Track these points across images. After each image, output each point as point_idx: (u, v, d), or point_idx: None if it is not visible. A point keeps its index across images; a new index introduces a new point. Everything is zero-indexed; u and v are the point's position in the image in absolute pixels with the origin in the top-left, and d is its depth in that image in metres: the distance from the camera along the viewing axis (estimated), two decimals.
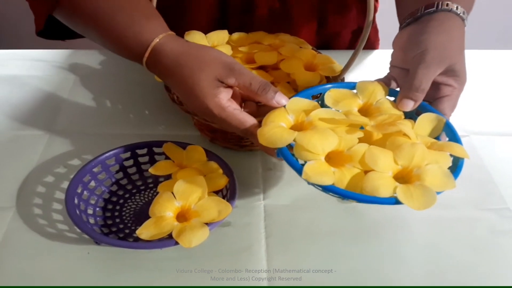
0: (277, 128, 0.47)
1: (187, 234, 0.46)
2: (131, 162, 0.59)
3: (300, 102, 0.51)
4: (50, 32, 0.63)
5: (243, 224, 0.55)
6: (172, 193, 0.51)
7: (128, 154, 0.58)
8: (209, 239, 0.52)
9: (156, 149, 0.59)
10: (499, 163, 0.64)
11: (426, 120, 0.51)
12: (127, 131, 0.67)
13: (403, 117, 0.51)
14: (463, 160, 0.47)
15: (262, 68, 0.67)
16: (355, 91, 0.53)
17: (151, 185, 0.59)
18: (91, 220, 0.53)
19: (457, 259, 0.52)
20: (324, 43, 0.77)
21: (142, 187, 0.59)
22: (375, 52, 0.85)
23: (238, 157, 0.63)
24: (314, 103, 0.51)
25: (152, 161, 0.59)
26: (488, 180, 0.61)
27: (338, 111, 0.51)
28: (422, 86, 0.50)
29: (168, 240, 0.47)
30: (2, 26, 1.41)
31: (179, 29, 0.63)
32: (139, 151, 0.58)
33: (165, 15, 0.57)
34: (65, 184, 0.56)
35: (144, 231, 0.47)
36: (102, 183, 0.57)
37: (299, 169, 0.45)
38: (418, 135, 0.48)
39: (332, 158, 0.46)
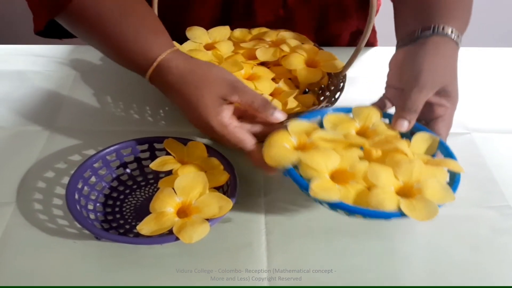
0: (281, 148, 0.50)
1: (187, 229, 0.47)
2: (131, 157, 0.59)
3: (301, 124, 0.53)
4: (49, 30, 0.63)
5: (244, 220, 0.55)
6: (173, 188, 0.51)
7: (129, 150, 0.58)
8: (209, 236, 0.52)
9: (157, 145, 0.59)
10: (500, 161, 0.64)
11: (421, 139, 0.53)
12: (128, 127, 0.67)
13: (399, 137, 0.53)
14: (459, 175, 0.50)
15: (263, 64, 0.67)
16: (351, 115, 0.56)
17: (151, 181, 0.59)
18: (92, 216, 0.53)
19: (458, 257, 0.52)
20: (323, 43, 0.77)
21: (143, 183, 0.59)
22: (373, 49, 0.85)
23: (238, 154, 0.63)
24: (314, 125, 0.54)
25: (153, 157, 0.59)
26: (489, 178, 0.61)
27: None
28: (415, 107, 0.52)
29: (169, 235, 0.47)
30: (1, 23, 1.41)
31: (181, 30, 0.62)
32: (140, 147, 0.59)
33: (168, 16, 0.57)
34: (66, 180, 0.56)
35: (145, 227, 0.47)
36: (102, 179, 0.57)
37: (306, 187, 0.47)
38: (414, 153, 0.51)
39: (336, 177, 0.49)
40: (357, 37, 0.84)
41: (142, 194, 0.58)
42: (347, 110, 0.56)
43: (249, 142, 0.52)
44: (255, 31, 0.72)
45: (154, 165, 0.54)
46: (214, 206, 0.49)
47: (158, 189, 0.52)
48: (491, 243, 0.54)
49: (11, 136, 0.65)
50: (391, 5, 0.66)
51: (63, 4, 0.54)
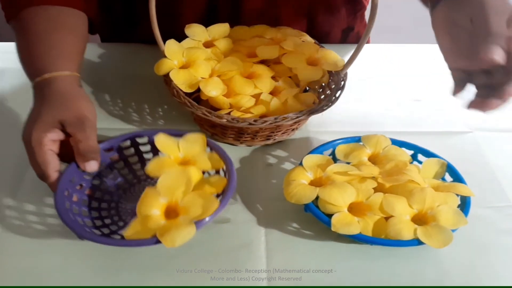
0: (300, 186, 0.52)
1: (171, 233, 0.45)
2: (116, 156, 0.58)
3: (314, 158, 0.56)
4: None
5: (243, 221, 0.55)
6: None
7: (112, 150, 0.57)
8: (208, 236, 0.52)
9: (139, 139, 0.57)
10: (503, 160, 0.64)
11: (430, 165, 0.57)
12: (126, 126, 0.67)
13: (409, 163, 0.55)
14: (469, 198, 0.53)
15: (263, 62, 0.66)
16: (360, 143, 0.58)
17: (143, 177, 0.58)
18: (84, 212, 0.52)
19: (460, 257, 0.52)
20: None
21: (135, 181, 0.58)
22: (368, 46, 0.84)
23: (237, 153, 0.62)
24: (327, 157, 0.56)
25: (138, 153, 0.58)
26: (491, 177, 0.61)
27: (349, 163, 0.56)
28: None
29: (151, 239, 0.46)
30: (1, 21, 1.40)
31: (169, 23, 0.61)
32: (123, 144, 0.57)
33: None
34: None
35: (131, 233, 0.46)
36: (89, 182, 0.56)
37: (327, 222, 0.50)
38: (425, 179, 0.54)
39: (354, 208, 0.51)
40: (348, 33, 0.83)
41: (138, 192, 0.56)
42: (357, 139, 0.59)
43: (53, 167, 0.51)
44: (255, 28, 0.71)
45: (150, 171, 0.51)
46: (198, 206, 0.48)
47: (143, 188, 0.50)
48: (494, 244, 0.54)
49: (7, 135, 0.64)
50: (382, 2, 0.65)
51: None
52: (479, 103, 0.52)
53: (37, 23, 0.59)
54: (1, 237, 0.52)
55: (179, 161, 0.53)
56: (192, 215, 0.47)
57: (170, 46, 0.63)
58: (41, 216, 0.55)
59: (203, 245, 0.52)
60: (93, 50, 0.80)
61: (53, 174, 0.51)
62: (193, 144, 0.54)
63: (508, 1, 0.49)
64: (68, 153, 0.52)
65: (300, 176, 0.53)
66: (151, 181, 0.58)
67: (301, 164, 0.55)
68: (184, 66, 0.63)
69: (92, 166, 0.52)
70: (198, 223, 0.46)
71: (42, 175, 0.51)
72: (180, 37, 0.65)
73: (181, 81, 0.60)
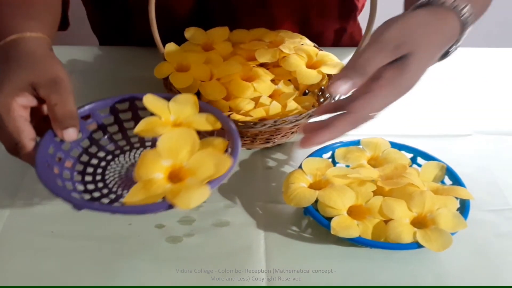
0: (300, 189, 0.52)
1: (183, 194, 0.41)
2: (111, 119, 0.53)
3: (314, 162, 0.55)
4: None
5: (242, 224, 0.55)
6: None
7: (107, 110, 0.52)
8: (207, 238, 0.52)
9: (139, 103, 0.52)
10: (502, 163, 0.64)
11: (430, 168, 0.56)
12: None
13: (408, 166, 0.55)
14: (469, 201, 0.53)
15: (263, 65, 0.67)
16: (360, 146, 0.58)
17: (137, 145, 0.54)
18: (69, 185, 0.47)
19: (459, 261, 0.52)
20: None
21: (127, 148, 0.54)
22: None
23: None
24: (327, 161, 0.56)
25: (136, 118, 0.53)
26: (490, 181, 0.61)
27: (348, 166, 0.57)
28: (363, 66, 0.44)
29: (161, 202, 0.41)
30: None
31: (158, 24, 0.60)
32: (120, 106, 0.52)
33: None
34: None
35: (133, 198, 0.41)
36: (78, 144, 0.51)
37: (327, 225, 0.50)
38: (425, 182, 0.54)
39: (353, 212, 0.51)
40: (341, 35, 0.83)
41: (127, 160, 0.52)
42: (356, 142, 0.59)
43: (28, 134, 0.44)
44: (254, 32, 0.71)
45: (138, 130, 0.47)
46: (209, 166, 0.43)
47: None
48: (493, 247, 0.54)
49: None
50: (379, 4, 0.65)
51: None
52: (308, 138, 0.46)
53: None
54: (2, 236, 0.52)
55: (172, 124, 0.49)
56: (202, 176, 0.43)
57: (170, 49, 0.63)
58: (42, 214, 0.54)
59: (202, 248, 0.52)
60: (92, 52, 0.80)
61: (29, 143, 0.45)
62: (184, 105, 0.50)
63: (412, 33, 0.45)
64: (43, 127, 0.46)
65: (300, 179, 0.53)
66: (136, 151, 0.53)
67: (300, 167, 0.55)
68: (183, 69, 0.63)
69: (71, 134, 0.45)
70: (211, 183, 0.43)
71: (15, 146, 0.45)
72: (172, 35, 0.65)
73: (180, 84, 0.60)
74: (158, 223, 0.54)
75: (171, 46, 0.63)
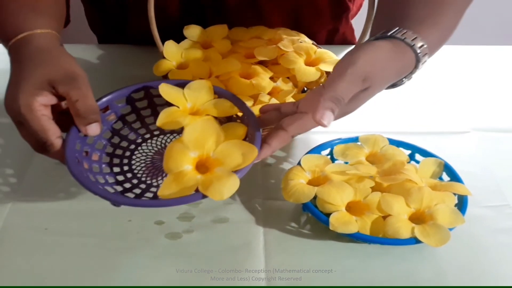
0: (298, 185, 0.52)
1: (215, 186, 0.42)
2: (128, 109, 0.54)
3: (313, 158, 0.56)
4: None
5: (242, 220, 0.55)
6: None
7: (123, 100, 0.53)
8: (207, 235, 0.52)
9: (153, 91, 0.53)
10: (500, 160, 0.64)
11: (427, 164, 0.57)
12: None
13: (406, 163, 0.56)
14: (467, 197, 0.53)
15: (261, 63, 0.67)
16: (358, 143, 0.59)
17: (156, 132, 0.55)
18: (100, 179, 0.48)
19: (457, 256, 0.52)
20: None
21: (147, 136, 0.54)
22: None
23: None
24: (325, 157, 0.56)
25: (152, 105, 0.54)
26: (488, 177, 0.62)
27: (347, 162, 0.57)
28: (339, 95, 0.45)
29: (195, 194, 0.43)
30: None
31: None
32: (135, 95, 0.53)
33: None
34: (66, 178, 0.53)
35: (166, 191, 0.42)
36: (101, 136, 0.51)
37: (325, 221, 0.50)
38: (423, 178, 0.54)
39: (352, 208, 0.52)
40: (334, 35, 0.83)
41: (150, 148, 0.53)
42: (354, 139, 0.59)
43: (54, 132, 0.45)
44: (253, 29, 0.71)
45: (161, 123, 0.47)
46: (236, 155, 0.44)
47: (165, 141, 0.47)
48: (491, 243, 0.54)
49: (8, 134, 0.64)
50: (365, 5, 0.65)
51: None
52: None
53: None
54: (2, 233, 0.53)
55: (189, 111, 0.50)
56: (230, 165, 0.44)
57: (169, 47, 0.63)
58: (43, 213, 0.55)
59: (202, 244, 0.52)
60: (93, 51, 0.80)
61: (56, 142, 0.45)
62: (199, 91, 0.50)
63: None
64: (65, 123, 0.47)
65: (299, 175, 0.54)
66: (157, 139, 0.54)
67: (299, 164, 0.55)
68: (182, 67, 0.63)
69: (94, 129, 0.46)
70: (238, 172, 0.44)
71: (43, 145, 0.45)
72: (165, 31, 0.64)
73: None
74: (158, 220, 0.54)
75: (170, 44, 0.63)
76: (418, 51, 0.47)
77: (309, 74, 0.64)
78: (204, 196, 0.42)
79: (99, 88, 0.74)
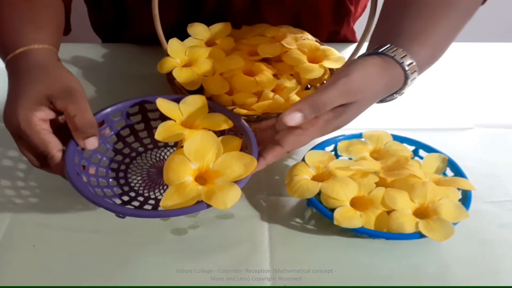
0: (303, 181, 0.52)
1: (218, 195, 0.44)
2: (123, 123, 0.55)
3: (317, 154, 0.56)
4: None
5: (246, 216, 0.55)
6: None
7: (118, 115, 0.54)
8: (212, 230, 0.52)
9: (148, 106, 0.55)
10: (504, 156, 0.64)
11: (431, 160, 0.57)
12: None
13: (410, 158, 0.56)
14: (471, 192, 0.53)
15: (265, 60, 0.67)
16: (362, 139, 0.59)
17: (150, 146, 0.56)
18: (99, 192, 0.49)
19: (463, 252, 0.53)
20: None
21: (141, 149, 0.56)
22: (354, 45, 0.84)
23: None
24: (329, 153, 0.57)
25: (145, 119, 0.55)
26: (492, 173, 0.62)
27: (351, 158, 0.57)
28: (323, 103, 0.46)
29: (199, 204, 0.44)
30: None
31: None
32: (130, 110, 0.54)
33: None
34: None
35: (169, 202, 0.44)
36: (97, 150, 0.52)
37: (330, 216, 0.50)
38: (427, 173, 0.54)
39: (356, 203, 0.52)
40: (335, 37, 0.83)
41: (145, 161, 0.54)
42: (358, 135, 0.59)
43: (55, 145, 0.46)
44: (256, 27, 0.71)
45: (160, 137, 0.48)
46: (237, 166, 0.46)
47: (160, 154, 0.48)
48: (495, 238, 0.54)
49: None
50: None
51: None
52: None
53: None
54: (9, 230, 0.53)
55: (184, 125, 0.51)
56: (230, 176, 0.46)
57: (173, 45, 0.63)
58: (47, 208, 0.55)
59: (207, 240, 0.52)
60: (96, 49, 0.80)
61: (57, 154, 0.46)
62: (194, 106, 0.52)
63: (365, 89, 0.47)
64: (63, 137, 0.47)
65: (303, 171, 0.54)
66: (151, 152, 0.55)
67: (303, 160, 0.55)
68: (186, 65, 0.63)
69: (92, 142, 0.47)
70: (239, 182, 0.45)
71: (44, 159, 0.46)
72: (168, 38, 0.65)
73: (184, 79, 0.61)
74: None
75: (174, 42, 0.64)
76: (407, 68, 0.49)
77: (313, 71, 0.64)
78: (209, 206, 0.44)
79: (102, 86, 0.75)
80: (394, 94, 0.52)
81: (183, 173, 0.45)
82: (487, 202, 0.58)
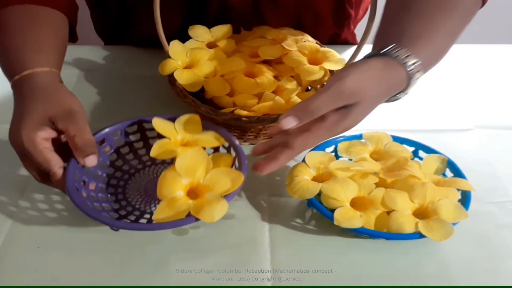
0: (303, 182, 0.53)
1: (206, 209, 0.46)
2: (122, 141, 0.57)
3: (317, 155, 0.56)
4: None
5: (247, 216, 0.56)
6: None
7: (118, 134, 0.56)
8: (213, 230, 0.52)
9: (146, 125, 0.57)
10: (503, 157, 0.65)
11: (431, 161, 0.57)
12: None
13: (410, 159, 0.56)
14: (470, 193, 0.54)
15: (266, 62, 0.67)
16: (362, 140, 0.59)
17: (148, 163, 0.58)
18: (98, 207, 0.51)
19: (462, 252, 0.53)
20: None
21: (140, 166, 0.58)
22: (368, 47, 0.85)
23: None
24: (329, 154, 0.57)
25: (144, 138, 0.58)
26: (492, 173, 0.62)
27: (351, 159, 0.57)
28: (313, 109, 0.47)
29: (189, 218, 0.46)
30: None
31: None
32: (129, 129, 0.57)
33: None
34: None
35: (160, 215, 0.46)
36: (97, 167, 0.55)
37: (330, 216, 0.50)
38: (426, 174, 0.55)
39: (356, 203, 0.52)
40: (335, 40, 0.84)
41: (143, 177, 0.57)
42: (358, 136, 0.60)
43: (57, 163, 0.49)
44: (257, 29, 0.72)
45: (154, 153, 0.51)
46: (225, 181, 0.48)
47: (157, 171, 0.51)
48: (494, 238, 0.55)
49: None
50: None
51: None
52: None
53: (13, 19, 0.58)
54: (8, 236, 0.53)
55: (179, 143, 0.54)
56: (219, 190, 0.48)
57: (174, 47, 0.64)
58: (49, 211, 0.55)
59: (208, 240, 0.53)
60: (99, 52, 0.81)
61: (59, 171, 0.49)
62: (188, 125, 0.54)
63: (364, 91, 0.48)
64: (64, 154, 0.51)
65: (303, 172, 0.54)
66: (149, 169, 0.58)
67: (303, 161, 0.56)
68: (188, 66, 0.64)
69: (92, 160, 0.50)
70: (227, 197, 0.47)
71: (46, 175, 0.49)
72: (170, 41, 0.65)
73: (185, 80, 0.61)
74: None
75: (175, 44, 0.64)
76: (410, 68, 0.49)
77: (313, 72, 0.64)
78: (197, 219, 0.46)
79: (104, 88, 0.76)
80: (398, 95, 0.52)
81: (174, 188, 0.48)
82: (486, 203, 0.58)
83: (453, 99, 0.74)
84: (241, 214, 0.56)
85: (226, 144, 0.56)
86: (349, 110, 0.48)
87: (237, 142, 0.54)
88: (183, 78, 0.61)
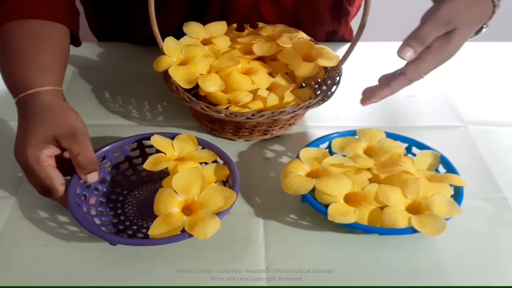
0: (297, 178, 0.53)
1: (199, 226, 0.47)
2: (122, 157, 0.59)
3: (311, 151, 0.57)
4: None
5: (242, 213, 0.56)
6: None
7: (118, 151, 0.58)
8: None
9: (145, 142, 0.59)
10: (495, 153, 0.65)
11: (424, 156, 0.58)
12: (126, 122, 0.68)
13: (403, 155, 0.57)
14: (462, 188, 0.54)
15: (260, 59, 0.68)
16: (356, 137, 0.60)
17: (146, 179, 0.60)
18: (97, 221, 0.53)
19: (453, 246, 0.53)
20: None
21: (138, 181, 0.59)
22: (362, 44, 0.84)
23: (236, 148, 0.64)
24: (323, 150, 0.57)
25: (143, 154, 0.59)
26: (484, 169, 0.63)
27: (345, 156, 0.58)
28: (423, 37, 0.53)
29: (182, 234, 0.48)
30: None
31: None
32: (129, 146, 0.59)
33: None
34: None
35: (156, 231, 0.48)
36: (98, 183, 0.56)
37: (324, 212, 0.51)
38: (419, 170, 0.55)
39: (350, 199, 0.53)
40: (332, 36, 0.84)
41: (142, 193, 0.58)
42: (352, 133, 0.60)
43: (59, 180, 0.51)
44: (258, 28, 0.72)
45: (147, 165, 0.54)
46: (218, 199, 0.50)
47: (155, 187, 0.53)
48: (487, 234, 0.55)
49: (11, 130, 0.65)
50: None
51: None
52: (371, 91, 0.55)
53: (17, 37, 0.59)
54: (4, 231, 0.53)
55: (175, 158, 0.56)
56: (213, 208, 0.50)
57: (169, 43, 0.64)
58: (47, 212, 0.55)
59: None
60: (93, 49, 0.81)
61: (61, 188, 0.51)
62: (186, 142, 0.57)
63: (459, 15, 0.53)
64: (66, 168, 0.52)
65: (297, 168, 0.55)
66: (147, 186, 0.59)
67: (298, 157, 0.56)
68: (182, 63, 0.64)
69: (93, 177, 0.52)
70: (220, 214, 0.49)
71: (49, 191, 0.51)
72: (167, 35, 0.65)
73: (179, 77, 0.61)
74: None
75: (170, 40, 0.64)
76: None
77: (307, 69, 0.65)
78: (190, 236, 0.47)
79: (99, 85, 0.75)
80: (483, 27, 0.58)
81: (170, 204, 0.49)
82: (479, 199, 0.59)
83: (446, 96, 0.74)
84: (236, 210, 0.56)
85: None
86: (451, 36, 0.53)
87: (229, 158, 0.55)
88: (177, 74, 0.61)
